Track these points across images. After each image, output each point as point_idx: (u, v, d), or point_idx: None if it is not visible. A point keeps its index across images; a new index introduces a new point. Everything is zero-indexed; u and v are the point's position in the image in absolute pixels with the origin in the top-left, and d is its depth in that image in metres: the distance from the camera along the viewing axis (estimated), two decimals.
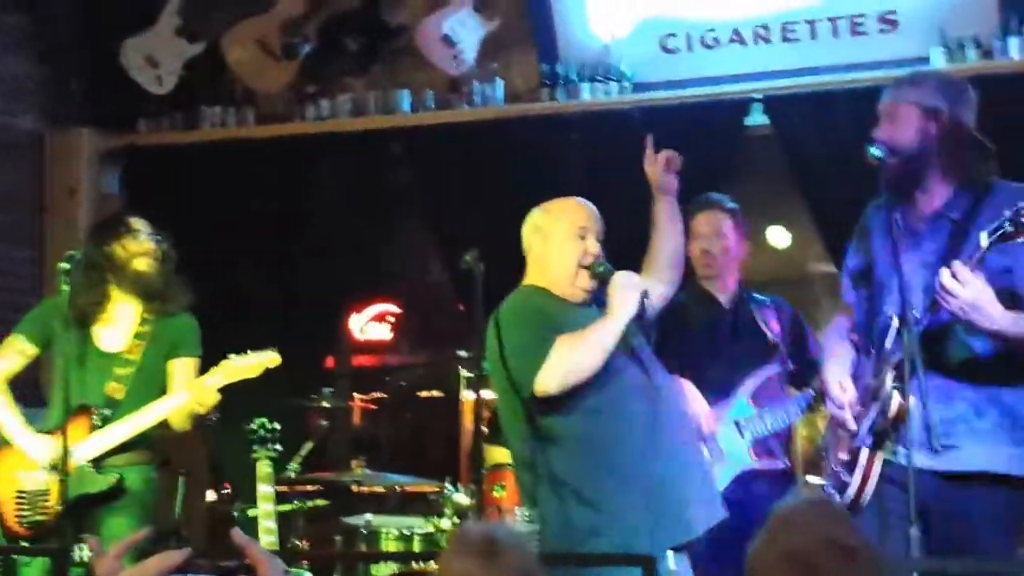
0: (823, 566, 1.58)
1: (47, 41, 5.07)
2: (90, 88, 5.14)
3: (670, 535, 2.86)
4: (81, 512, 3.39)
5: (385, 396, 4.98)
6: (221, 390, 3.51)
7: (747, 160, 4.47)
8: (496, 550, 1.75)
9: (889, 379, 2.72)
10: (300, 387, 4.67)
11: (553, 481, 2.91)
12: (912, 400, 2.62)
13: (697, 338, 3.57)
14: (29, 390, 3.95)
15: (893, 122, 2.82)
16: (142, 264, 3.57)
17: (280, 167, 4.99)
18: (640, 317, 2.91)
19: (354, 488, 4.40)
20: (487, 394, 4.29)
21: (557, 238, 3.02)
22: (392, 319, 5.32)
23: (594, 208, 3.07)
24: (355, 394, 4.92)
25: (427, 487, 4.22)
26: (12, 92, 4.99)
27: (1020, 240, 2.48)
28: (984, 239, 2.53)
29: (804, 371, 3.66)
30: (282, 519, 4.02)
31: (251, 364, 3.52)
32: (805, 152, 4.31)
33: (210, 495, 4.73)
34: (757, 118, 4.40)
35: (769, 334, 3.68)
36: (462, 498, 3.99)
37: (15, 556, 3.45)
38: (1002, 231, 2.50)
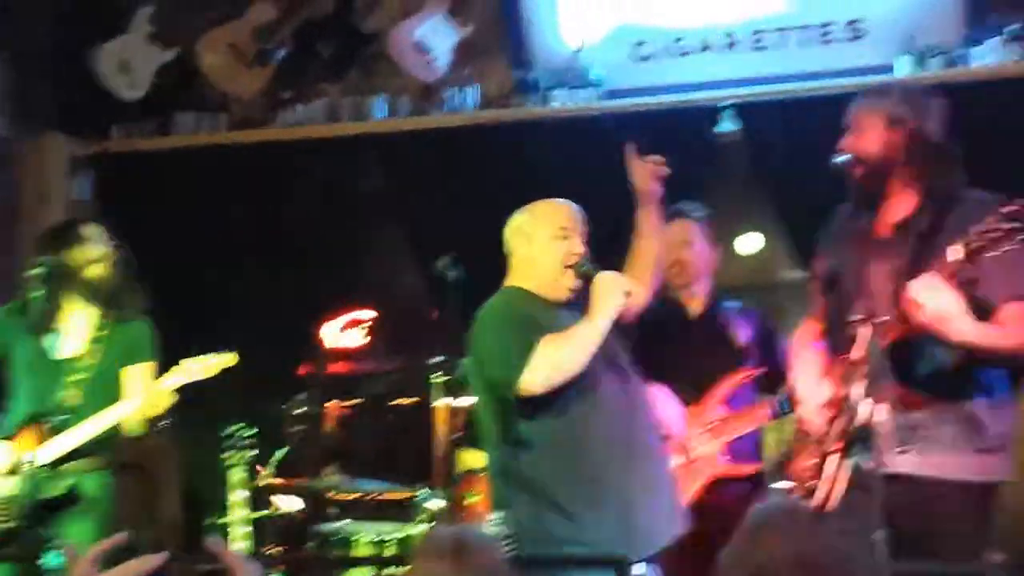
0: None
1: (17, 47, 5.04)
2: (62, 94, 5.11)
3: (641, 547, 2.89)
4: (42, 518, 3.38)
5: (359, 402, 4.98)
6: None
7: (718, 167, 4.51)
8: (466, 552, 1.77)
9: (856, 386, 2.76)
10: (274, 394, 4.67)
11: (527, 487, 2.92)
12: (878, 407, 2.66)
13: (668, 346, 3.60)
14: None
15: (859, 131, 2.86)
16: (95, 271, 3.57)
17: (253, 173, 4.98)
18: (621, 320, 2.93)
19: (328, 494, 4.39)
20: (461, 401, 4.33)
21: (541, 239, 3.04)
22: (366, 325, 5.32)
23: (578, 208, 3.10)
24: (329, 401, 4.92)
25: (400, 493, 4.22)
26: None
27: (990, 253, 2.52)
28: (955, 252, 2.56)
29: (775, 376, 3.70)
30: (256, 525, 4.02)
31: (206, 366, 3.52)
32: (774, 159, 4.35)
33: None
34: (727, 125, 4.44)
35: (740, 340, 3.71)
36: (435, 504, 4.00)
37: None
38: (973, 244, 2.54)
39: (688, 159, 4.39)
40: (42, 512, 3.41)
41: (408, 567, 2.42)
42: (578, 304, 3.01)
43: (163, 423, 3.62)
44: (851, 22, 4.29)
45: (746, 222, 5.00)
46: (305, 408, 4.62)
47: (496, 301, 3.07)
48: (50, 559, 3.23)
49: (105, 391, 3.53)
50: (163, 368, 3.63)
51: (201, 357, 3.55)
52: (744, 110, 4.40)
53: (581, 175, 4.30)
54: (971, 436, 2.76)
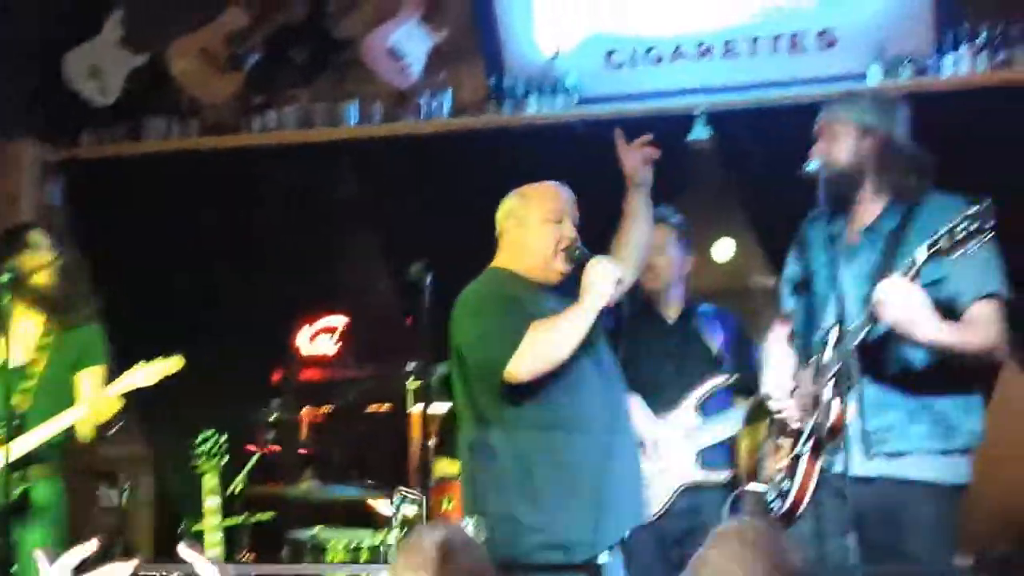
0: None
1: None
2: (33, 99, 5.07)
3: (608, 536, 2.90)
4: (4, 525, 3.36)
5: (333, 409, 4.97)
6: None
7: (691, 173, 4.53)
8: (449, 554, 1.78)
9: (827, 388, 2.78)
10: (248, 401, 4.65)
11: (501, 478, 2.91)
12: (849, 409, 2.68)
13: (643, 351, 3.61)
14: None
15: (829, 139, 2.90)
16: (41, 278, 3.56)
17: (226, 179, 4.96)
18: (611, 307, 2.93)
19: (301, 501, 4.38)
20: (435, 407, 4.33)
21: (533, 221, 3.04)
22: (340, 332, 5.31)
23: (570, 193, 3.10)
24: (303, 407, 4.91)
25: (374, 500, 4.22)
26: None
27: (956, 253, 2.56)
28: (921, 253, 2.60)
29: (749, 381, 3.72)
30: (228, 533, 4.00)
31: (153, 371, 3.51)
32: (747, 165, 4.39)
33: None
34: (700, 132, 4.47)
35: (714, 345, 3.73)
36: (410, 510, 4.00)
37: None
38: (938, 246, 2.57)
39: (661, 166, 4.42)
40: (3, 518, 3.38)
41: (388, 567, 2.41)
42: (565, 287, 3.01)
43: (113, 429, 3.60)
44: (822, 31, 4.32)
45: (719, 228, 5.03)
46: (278, 415, 4.60)
47: (481, 283, 3.05)
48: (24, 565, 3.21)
49: (54, 397, 3.52)
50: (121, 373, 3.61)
51: (146, 363, 3.53)
52: (716, 118, 4.43)
53: (554, 181, 4.32)
54: (941, 436, 2.79)
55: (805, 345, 2.97)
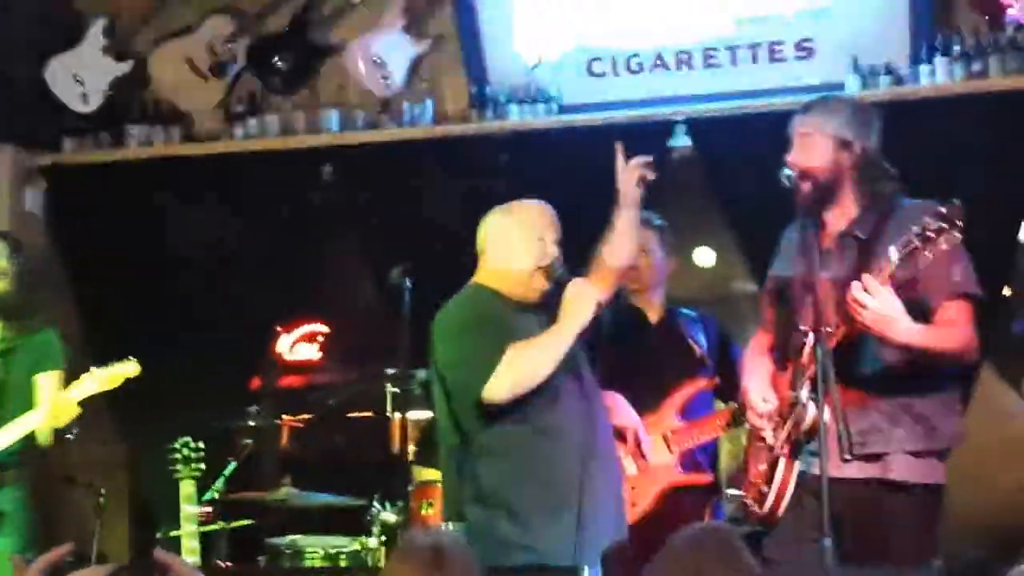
0: None
1: None
2: (13, 106, 5.06)
3: (589, 553, 2.90)
4: None
5: (313, 416, 4.95)
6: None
7: (671, 181, 4.55)
8: (442, 558, 1.78)
9: (804, 391, 2.80)
10: (227, 408, 4.64)
11: (482, 491, 2.92)
12: (826, 411, 2.71)
13: (625, 352, 3.62)
14: None
15: (806, 149, 2.93)
16: None
17: (208, 186, 4.96)
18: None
19: (280, 507, 4.36)
20: (416, 413, 4.32)
21: (516, 239, 3.05)
22: (321, 339, 5.30)
23: (554, 212, 3.12)
24: (283, 414, 4.89)
25: (354, 505, 4.21)
26: None
27: (927, 253, 2.59)
28: (894, 253, 2.63)
29: (730, 385, 3.74)
30: (206, 540, 3.98)
31: (110, 375, 3.51)
32: (726, 173, 4.42)
33: None
34: (680, 140, 4.50)
35: (697, 348, 3.74)
36: (389, 516, 3.99)
37: None
38: (911, 245, 2.61)
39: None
40: None
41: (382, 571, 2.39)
42: (545, 306, 3.02)
43: (70, 434, 3.59)
44: (800, 41, 4.37)
45: (699, 235, 5.06)
46: (257, 421, 4.59)
47: (460, 301, 3.06)
48: None
49: (14, 403, 3.51)
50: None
51: (103, 367, 3.52)
52: (696, 126, 4.46)
53: (535, 189, 4.33)
54: (921, 438, 2.81)
55: (783, 351, 2.99)
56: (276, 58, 4.89)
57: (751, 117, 4.35)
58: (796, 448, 2.84)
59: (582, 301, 2.92)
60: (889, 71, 4.27)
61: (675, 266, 3.87)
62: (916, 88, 4.24)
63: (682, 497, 3.58)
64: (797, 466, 2.86)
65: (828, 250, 2.92)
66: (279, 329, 5.16)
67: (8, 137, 5.05)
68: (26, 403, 3.53)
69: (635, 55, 4.52)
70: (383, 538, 3.94)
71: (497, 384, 2.85)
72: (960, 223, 2.55)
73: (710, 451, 3.75)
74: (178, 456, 3.87)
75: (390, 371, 4.30)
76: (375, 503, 4.05)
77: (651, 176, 3.14)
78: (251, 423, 4.53)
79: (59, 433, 3.53)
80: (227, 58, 4.92)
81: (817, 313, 2.76)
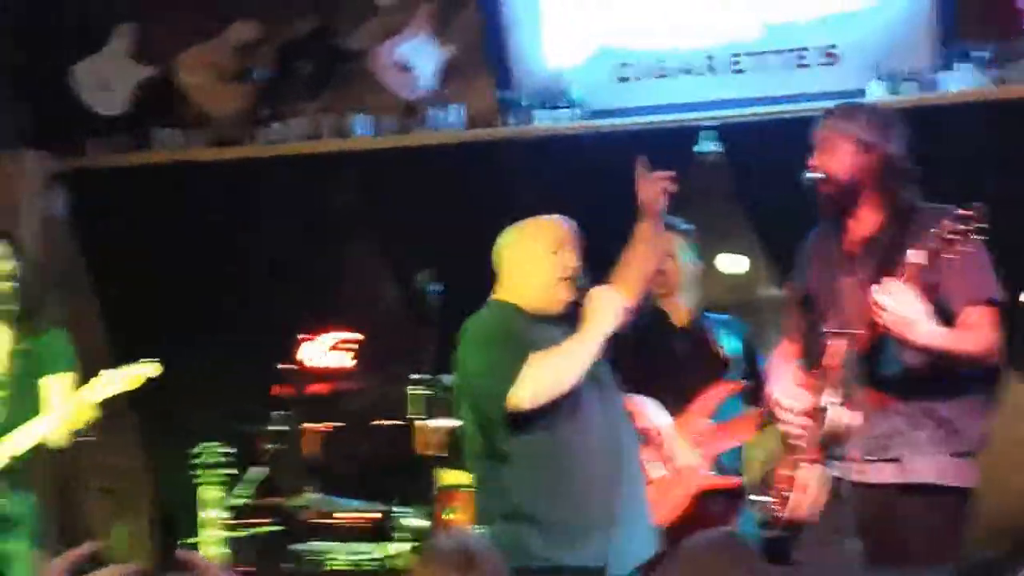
0: None
1: None
2: (38, 110, 5.09)
3: (618, 566, 2.89)
4: None
5: (338, 422, 4.95)
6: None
7: (697, 186, 4.55)
8: (471, 561, 1.78)
9: (828, 396, 2.79)
10: (251, 413, 4.64)
11: (509, 502, 2.91)
12: (851, 416, 2.69)
13: (653, 355, 3.60)
14: None
15: (830, 153, 2.92)
16: (2, 287, 3.53)
17: (232, 191, 4.97)
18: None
19: (304, 514, 4.36)
20: (441, 419, 4.31)
21: (536, 252, 3.02)
22: (347, 344, 5.30)
23: (572, 224, 3.10)
24: (308, 420, 4.89)
25: (378, 511, 4.20)
26: None
27: (948, 256, 2.58)
28: (914, 257, 2.63)
29: (759, 388, 3.71)
30: (230, 545, 3.98)
31: (128, 377, 3.45)
32: (753, 178, 4.42)
33: None
34: (707, 145, 4.50)
35: (724, 351, 3.73)
36: (415, 521, 3.98)
37: None
38: (932, 249, 2.60)
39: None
40: None
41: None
42: (568, 318, 3.01)
43: (86, 436, 3.56)
44: (825, 48, 4.36)
45: (726, 240, 5.05)
46: (283, 427, 4.59)
47: (483, 316, 3.05)
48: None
49: (28, 405, 3.48)
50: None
51: (119, 368, 3.48)
52: (723, 131, 4.45)
53: (562, 194, 4.33)
54: (945, 441, 2.80)
55: (807, 357, 2.98)
56: (301, 62, 4.90)
57: (777, 122, 4.34)
58: (821, 452, 2.83)
59: (606, 308, 2.90)
60: (913, 77, 4.27)
61: (702, 270, 3.86)
62: (940, 94, 4.23)
63: (712, 501, 3.56)
64: (822, 470, 2.85)
65: (851, 255, 2.91)
66: (303, 336, 5.16)
67: (33, 141, 5.08)
68: (37, 405, 3.50)
69: (662, 60, 4.52)
70: (413, 544, 3.93)
71: (520, 393, 2.84)
72: (982, 227, 2.54)
73: (738, 454, 3.73)
74: (200, 461, 3.87)
75: (414, 376, 4.29)
76: (399, 509, 4.05)
77: (672, 189, 3.13)
78: (277, 428, 4.53)
79: (73, 435, 3.50)
80: (252, 63, 4.93)
81: (842, 319, 2.74)
